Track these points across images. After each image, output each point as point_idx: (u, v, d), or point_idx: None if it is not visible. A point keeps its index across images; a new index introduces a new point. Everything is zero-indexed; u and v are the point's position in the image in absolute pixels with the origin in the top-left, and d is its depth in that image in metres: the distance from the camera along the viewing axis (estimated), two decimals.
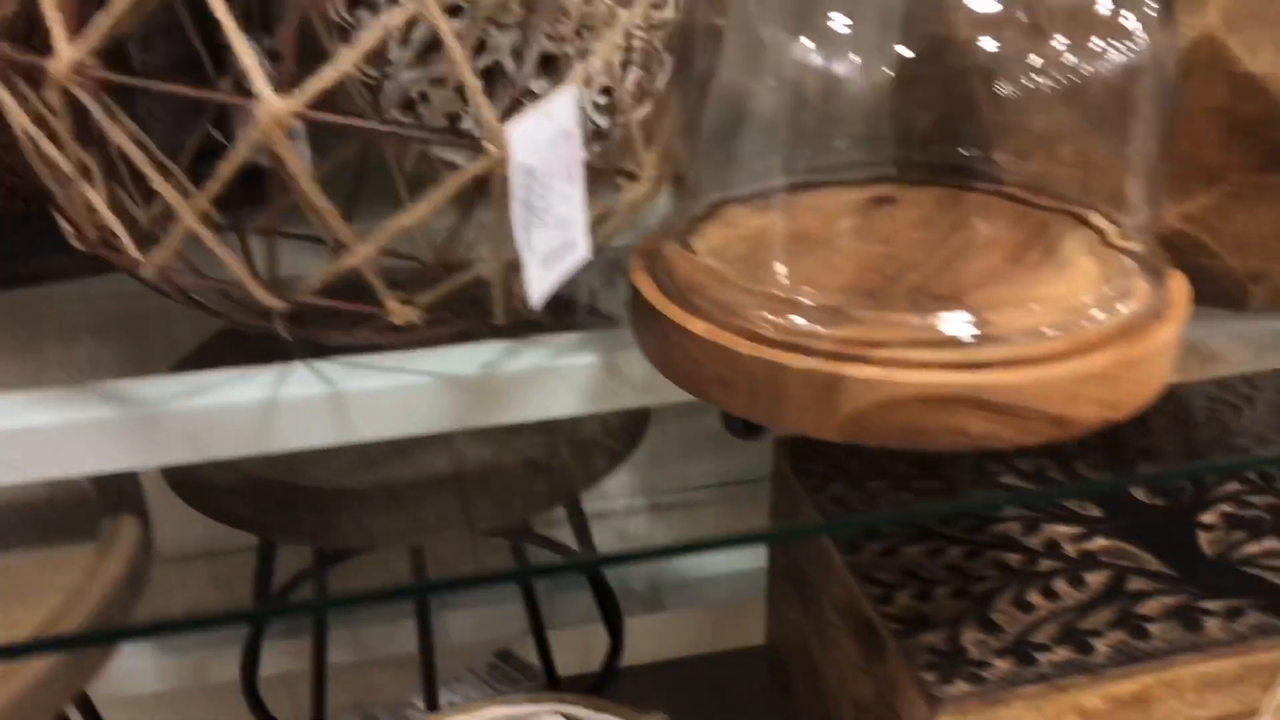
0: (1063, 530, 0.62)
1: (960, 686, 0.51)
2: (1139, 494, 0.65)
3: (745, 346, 0.43)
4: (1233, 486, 0.65)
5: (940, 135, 0.60)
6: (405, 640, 0.88)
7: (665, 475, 1.01)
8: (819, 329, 0.43)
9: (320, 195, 0.41)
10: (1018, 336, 0.43)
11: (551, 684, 0.79)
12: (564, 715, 0.66)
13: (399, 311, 0.46)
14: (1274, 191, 0.53)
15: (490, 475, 0.69)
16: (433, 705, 0.73)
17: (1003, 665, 0.52)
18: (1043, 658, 0.53)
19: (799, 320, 0.44)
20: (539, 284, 0.43)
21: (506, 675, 0.84)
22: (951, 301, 0.44)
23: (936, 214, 0.55)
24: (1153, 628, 0.54)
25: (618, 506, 0.99)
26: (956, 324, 0.43)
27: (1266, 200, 0.53)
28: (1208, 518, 0.62)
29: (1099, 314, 0.44)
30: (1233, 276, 0.55)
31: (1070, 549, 0.60)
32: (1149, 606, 0.56)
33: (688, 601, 0.90)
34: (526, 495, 0.69)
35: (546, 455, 0.68)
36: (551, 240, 0.43)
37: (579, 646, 0.88)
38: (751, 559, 0.79)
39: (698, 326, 0.45)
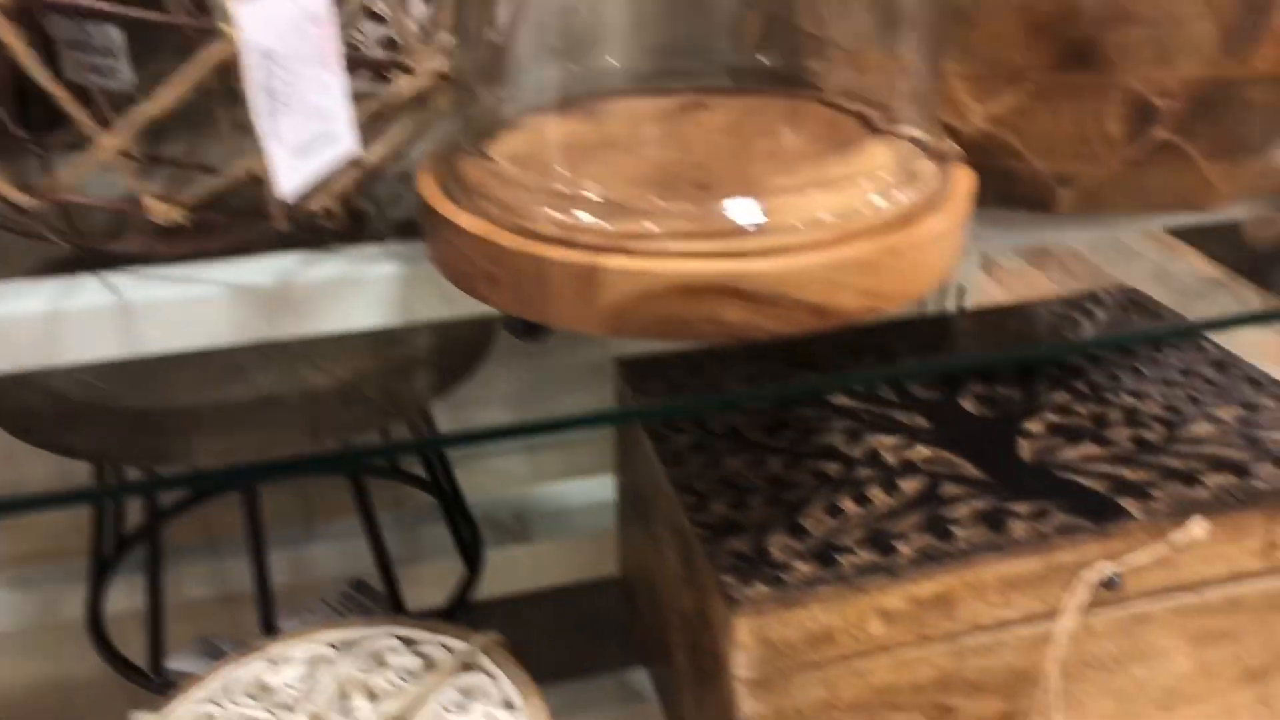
0: (886, 440, 0.62)
1: (759, 589, 0.51)
2: (968, 405, 0.65)
3: (509, 240, 0.42)
4: (1061, 396, 0.65)
5: (763, 43, 0.60)
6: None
7: (542, 412, 1.00)
8: (595, 223, 0.43)
9: (54, 83, 0.40)
10: (796, 226, 0.42)
11: (399, 612, 0.79)
12: (399, 637, 0.65)
13: (157, 209, 0.45)
14: (1075, 90, 0.53)
15: (326, 393, 0.68)
16: (270, 628, 0.72)
17: (805, 568, 0.52)
18: (845, 560, 0.53)
19: (579, 216, 0.43)
20: (291, 174, 0.41)
21: (359, 605, 0.83)
22: (733, 192, 0.44)
23: (744, 120, 0.54)
24: (958, 530, 0.54)
25: (489, 447, 0.99)
26: (735, 213, 0.42)
27: (1068, 99, 0.53)
28: (1032, 426, 0.63)
29: (880, 203, 0.44)
30: (1040, 179, 0.55)
31: (891, 458, 0.60)
32: (958, 510, 0.56)
33: (553, 533, 0.89)
34: (364, 412, 0.68)
35: (384, 371, 0.67)
36: (305, 130, 0.42)
37: (450, 581, 0.87)
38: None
39: (466, 222, 0.44)
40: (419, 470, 0.87)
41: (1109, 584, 0.55)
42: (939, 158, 0.48)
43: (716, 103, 0.56)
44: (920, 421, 0.64)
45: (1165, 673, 0.59)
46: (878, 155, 0.48)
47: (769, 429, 0.64)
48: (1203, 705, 0.61)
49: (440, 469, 0.84)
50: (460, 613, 0.81)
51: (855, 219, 0.43)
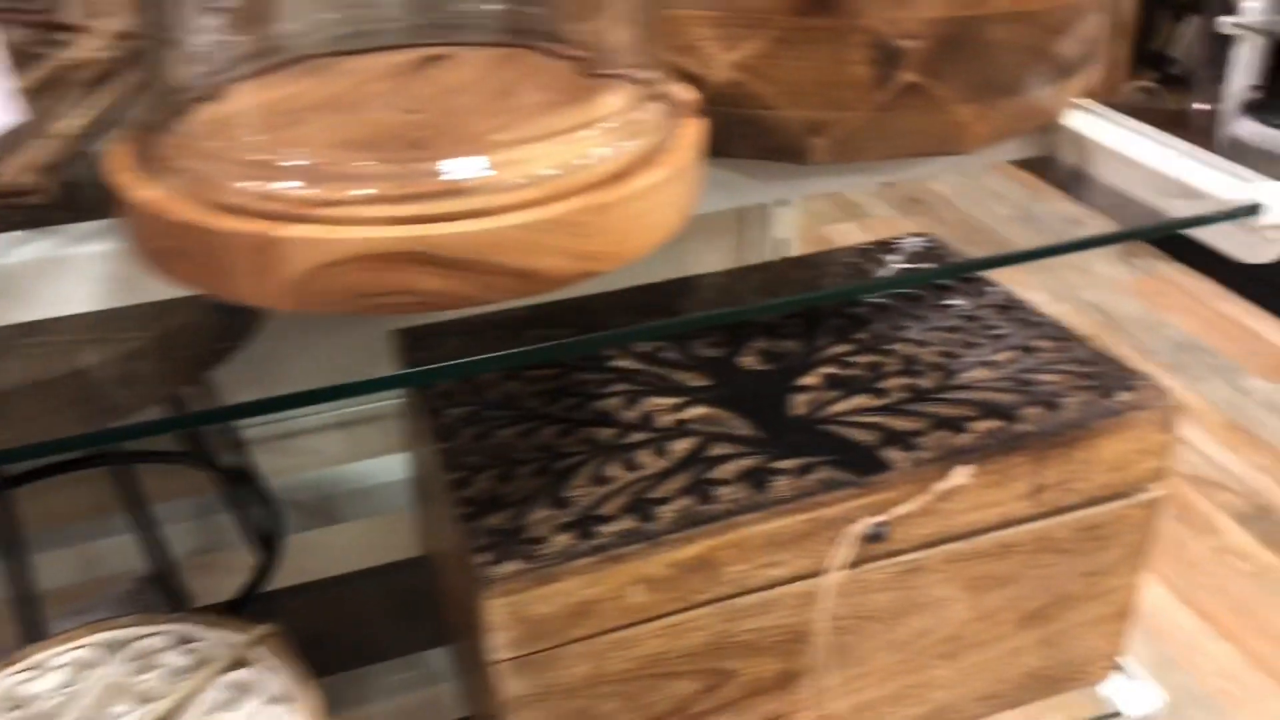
0: (662, 402, 0.60)
1: (510, 566, 0.49)
2: (750, 361, 0.64)
3: (182, 213, 0.39)
4: (841, 348, 0.65)
5: None
6: (62, 572, 0.83)
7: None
8: (286, 190, 0.39)
9: None
10: (509, 185, 0.40)
11: (178, 607, 0.75)
12: (174, 635, 0.62)
13: None
14: (820, 35, 0.51)
15: (81, 376, 0.63)
16: (36, 634, 0.68)
17: (561, 540, 0.50)
18: (604, 529, 0.51)
19: (273, 184, 0.40)
20: None
21: (145, 602, 0.79)
22: (448, 151, 0.41)
23: (482, 74, 0.51)
24: (720, 491, 0.53)
25: (298, 425, 0.95)
26: (443, 173, 0.40)
27: (814, 45, 0.51)
28: (809, 380, 0.62)
29: (604, 155, 0.42)
30: (791, 128, 0.53)
31: (665, 420, 0.59)
32: (723, 470, 0.54)
33: (363, 513, 0.86)
34: (121, 395, 0.64)
35: (139, 352, 0.63)
36: None
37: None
38: None
39: (143, 196, 0.40)
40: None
41: (875, 537, 0.54)
42: (671, 107, 0.46)
43: (456, 57, 0.53)
44: (699, 380, 0.62)
45: (945, 621, 0.59)
46: (604, 106, 0.45)
47: (547, 397, 0.62)
48: (986, 651, 0.62)
49: (233, 451, 0.80)
50: (260, 601, 0.78)
51: (573, 175, 0.41)
